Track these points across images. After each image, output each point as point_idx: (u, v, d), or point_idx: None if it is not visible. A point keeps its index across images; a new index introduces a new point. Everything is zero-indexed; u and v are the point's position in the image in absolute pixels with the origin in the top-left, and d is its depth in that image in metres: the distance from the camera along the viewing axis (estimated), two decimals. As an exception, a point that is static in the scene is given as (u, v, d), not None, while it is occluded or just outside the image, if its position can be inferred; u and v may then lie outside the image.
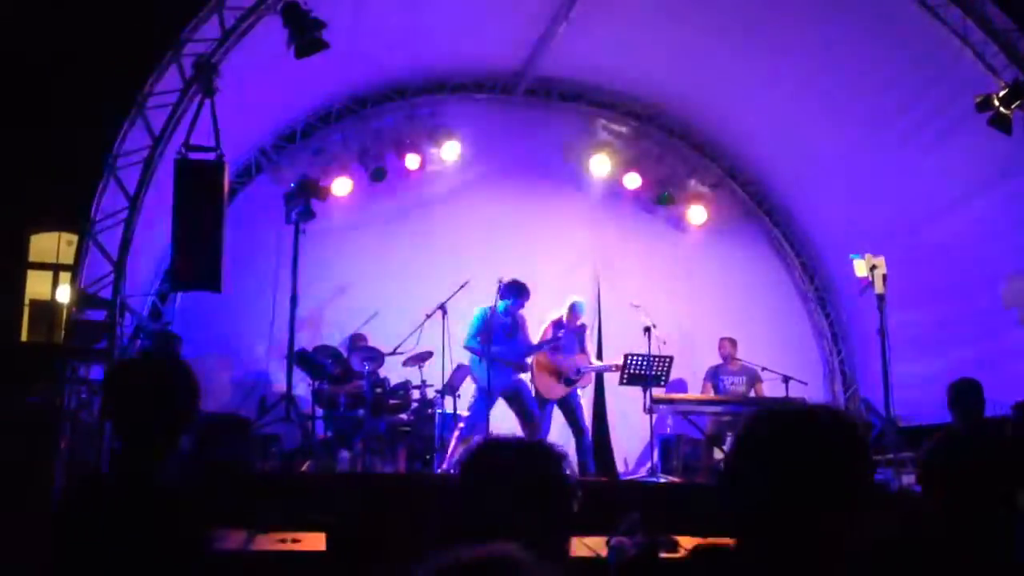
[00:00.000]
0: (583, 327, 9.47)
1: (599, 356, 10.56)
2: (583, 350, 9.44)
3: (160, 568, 2.39)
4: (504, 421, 9.09)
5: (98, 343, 7.66)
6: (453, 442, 8.81)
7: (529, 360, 9.06)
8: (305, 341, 9.70)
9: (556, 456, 1.96)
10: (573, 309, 9.31)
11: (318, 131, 10.99)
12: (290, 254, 9.00)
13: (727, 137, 11.82)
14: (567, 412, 9.15)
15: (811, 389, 10.52)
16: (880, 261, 9.11)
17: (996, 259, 9.08)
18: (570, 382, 9.10)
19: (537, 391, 9.11)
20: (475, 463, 1.95)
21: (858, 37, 9.00)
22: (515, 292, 8.86)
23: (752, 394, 10.04)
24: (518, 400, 8.92)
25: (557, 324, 9.19)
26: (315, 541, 5.74)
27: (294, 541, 5.69)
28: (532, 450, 1.95)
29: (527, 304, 9.07)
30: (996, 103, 7.77)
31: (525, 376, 9.06)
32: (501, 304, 8.85)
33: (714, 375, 10.27)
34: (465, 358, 9.13)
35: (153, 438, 2.58)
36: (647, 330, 9.19)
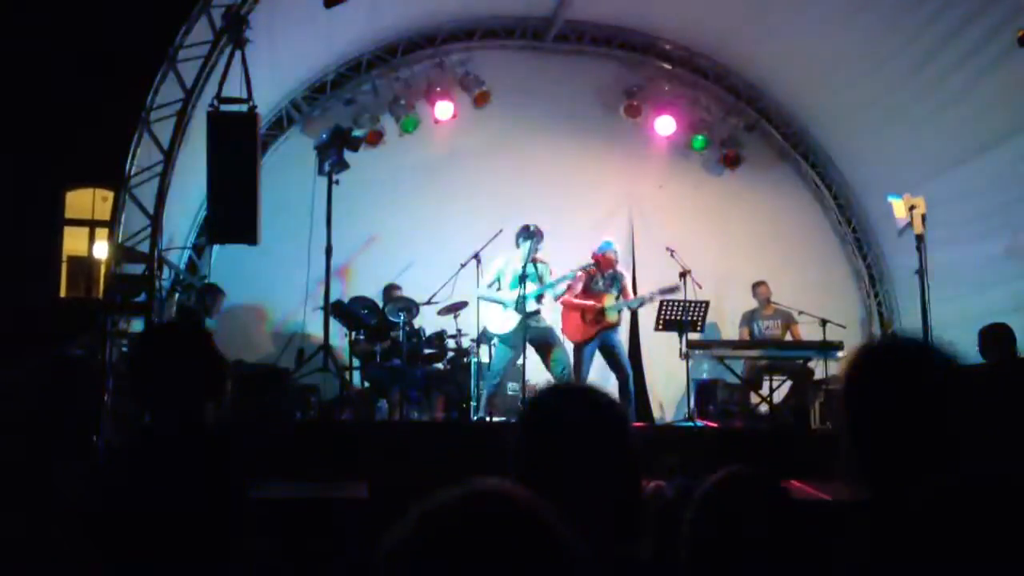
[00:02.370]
0: (618, 272, 9.27)
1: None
2: (621, 294, 9.29)
3: (208, 514, 2.42)
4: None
5: (137, 296, 7.73)
6: (484, 393, 8.88)
7: (541, 305, 8.92)
8: (340, 292, 9.74)
9: (614, 402, 1.95)
10: (601, 251, 9.23)
11: (349, 82, 10.94)
12: (323, 205, 9.00)
13: (762, 79, 11.64)
14: (607, 355, 9.10)
15: (848, 332, 10.45)
16: (919, 201, 8.97)
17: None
18: (593, 321, 9.02)
19: (565, 334, 9.10)
20: (533, 410, 1.93)
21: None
22: (526, 236, 8.81)
23: (788, 337, 10.01)
24: (544, 347, 8.85)
25: (583, 267, 9.09)
26: (357, 488, 5.81)
27: (336, 489, 5.77)
28: (589, 396, 1.93)
29: (558, 251, 9.04)
30: (1038, 37, 7.58)
31: (543, 322, 8.96)
32: (521, 252, 8.83)
33: (750, 320, 10.24)
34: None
35: (178, 409, 2.59)
36: (683, 275, 9.16)
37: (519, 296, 8.60)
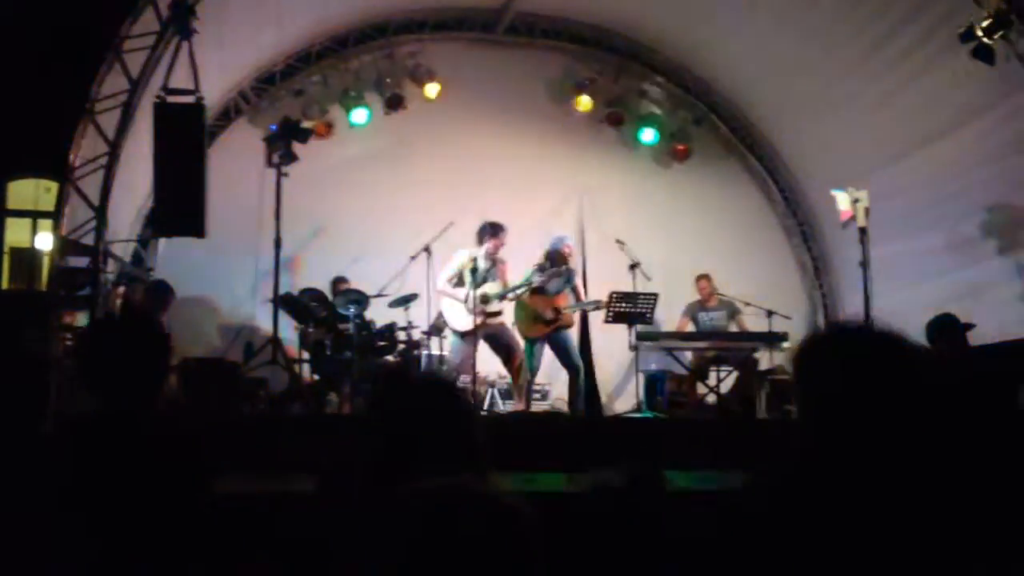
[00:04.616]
0: (569, 270, 9.23)
1: (584, 294, 10.60)
2: (573, 291, 9.31)
3: (147, 510, 2.41)
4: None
5: (82, 290, 7.63)
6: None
7: (493, 305, 8.97)
8: (290, 285, 9.68)
9: (454, 390, 1.98)
10: (556, 246, 9.28)
11: (298, 73, 10.86)
12: (272, 197, 8.94)
13: (709, 73, 11.76)
14: (557, 351, 9.14)
15: (794, 323, 10.61)
16: (862, 194, 9.13)
17: (978, 188, 9.12)
18: (548, 323, 9.06)
19: (518, 329, 9.15)
20: (379, 400, 1.98)
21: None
22: (490, 232, 8.86)
23: (733, 328, 10.13)
24: (496, 341, 8.95)
25: (540, 267, 9.14)
26: (304, 482, 5.78)
27: (283, 483, 5.74)
28: (432, 386, 1.98)
29: (509, 244, 9.07)
30: (979, 33, 7.73)
31: (496, 319, 9.00)
32: (480, 248, 8.87)
33: (692, 311, 10.32)
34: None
35: (124, 398, 2.58)
36: (632, 267, 9.23)
37: (480, 295, 8.66)
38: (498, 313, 8.94)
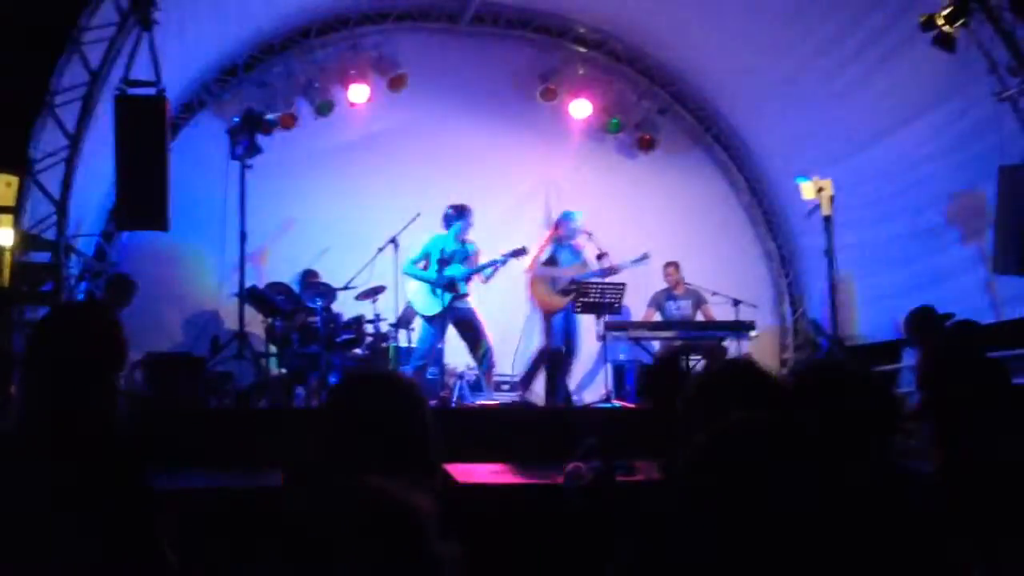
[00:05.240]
0: (577, 241, 9.48)
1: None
2: (583, 262, 9.43)
3: (100, 505, 2.36)
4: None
5: (44, 285, 7.53)
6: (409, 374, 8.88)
7: (469, 285, 9.03)
8: (256, 278, 9.62)
9: (402, 387, 1.99)
10: (561, 221, 9.45)
11: (261, 64, 10.75)
12: (237, 190, 8.86)
13: (674, 62, 11.78)
14: (570, 328, 9.27)
15: (761, 312, 10.69)
16: (827, 183, 9.22)
17: (941, 176, 9.21)
18: (567, 292, 9.15)
19: (535, 304, 9.32)
20: (334, 397, 1.99)
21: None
22: (457, 215, 8.95)
23: (700, 317, 10.19)
24: (464, 326, 8.98)
25: (549, 239, 9.38)
26: (271, 478, 5.75)
27: (251, 478, 5.71)
28: (381, 381, 1.98)
29: (477, 236, 9.09)
30: (940, 22, 7.79)
31: (469, 304, 9.04)
32: (450, 230, 8.91)
33: (658, 301, 10.37)
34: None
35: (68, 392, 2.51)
36: (600, 257, 9.26)
37: (446, 276, 8.69)
38: (465, 295, 8.96)
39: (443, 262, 8.70)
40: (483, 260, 9.00)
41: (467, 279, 8.90)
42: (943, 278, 9.28)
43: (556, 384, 9.11)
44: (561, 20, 11.63)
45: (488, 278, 8.98)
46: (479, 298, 9.18)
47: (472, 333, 8.97)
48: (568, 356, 9.29)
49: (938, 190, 9.28)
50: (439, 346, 8.78)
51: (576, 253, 9.47)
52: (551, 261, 9.36)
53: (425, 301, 8.83)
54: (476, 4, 11.04)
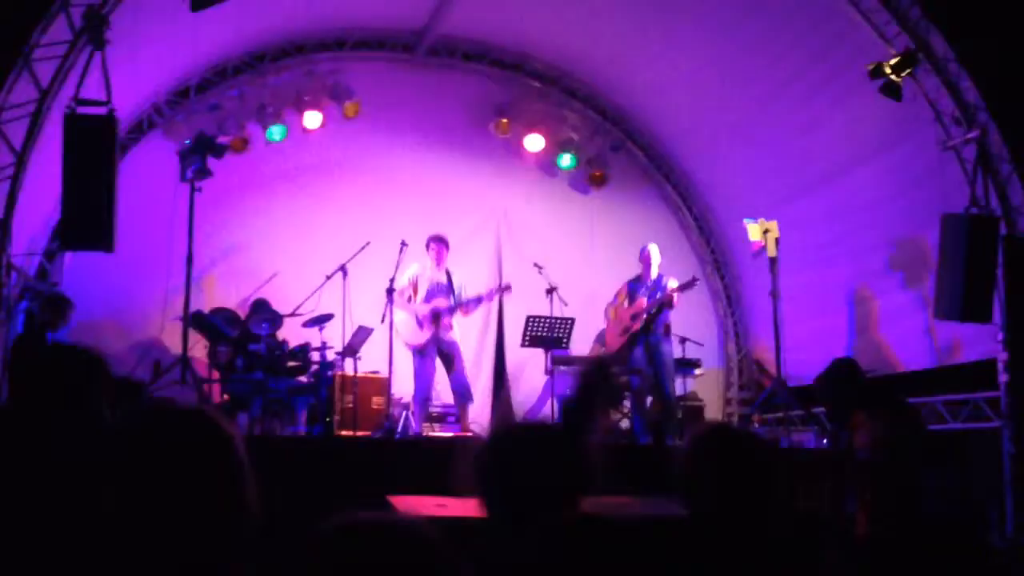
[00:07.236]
0: (660, 278, 9.43)
1: (499, 318, 10.72)
2: (659, 301, 9.30)
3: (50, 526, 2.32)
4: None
5: (-17, 304, 7.36)
6: (417, 409, 9.06)
7: (451, 318, 9.15)
8: (201, 303, 9.50)
9: (207, 418, 1.81)
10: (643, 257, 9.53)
11: (214, 87, 10.67)
12: (185, 213, 8.77)
13: (628, 100, 11.90)
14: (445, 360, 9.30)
15: (706, 350, 10.79)
16: (772, 225, 9.36)
17: (885, 222, 9.39)
18: (626, 331, 9.30)
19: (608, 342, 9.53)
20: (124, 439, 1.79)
21: (755, 2, 9.14)
22: (435, 242, 9.21)
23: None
24: (450, 361, 9.08)
25: (632, 281, 9.51)
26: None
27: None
28: (178, 416, 1.80)
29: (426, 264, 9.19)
30: (887, 71, 7.97)
31: (453, 336, 9.18)
32: (430, 260, 9.19)
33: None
34: (365, 319, 9.11)
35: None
36: (549, 292, 9.29)
37: (431, 309, 8.98)
38: (449, 328, 9.19)
39: (430, 294, 8.87)
40: (468, 294, 9.21)
41: (452, 311, 9.03)
42: (885, 321, 9.46)
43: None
44: (517, 55, 11.71)
45: (469, 312, 9.27)
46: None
47: (452, 367, 9.18)
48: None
49: (882, 235, 9.46)
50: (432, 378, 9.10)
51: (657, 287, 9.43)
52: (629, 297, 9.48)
53: (411, 332, 8.97)
54: (432, 36, 11.09)
